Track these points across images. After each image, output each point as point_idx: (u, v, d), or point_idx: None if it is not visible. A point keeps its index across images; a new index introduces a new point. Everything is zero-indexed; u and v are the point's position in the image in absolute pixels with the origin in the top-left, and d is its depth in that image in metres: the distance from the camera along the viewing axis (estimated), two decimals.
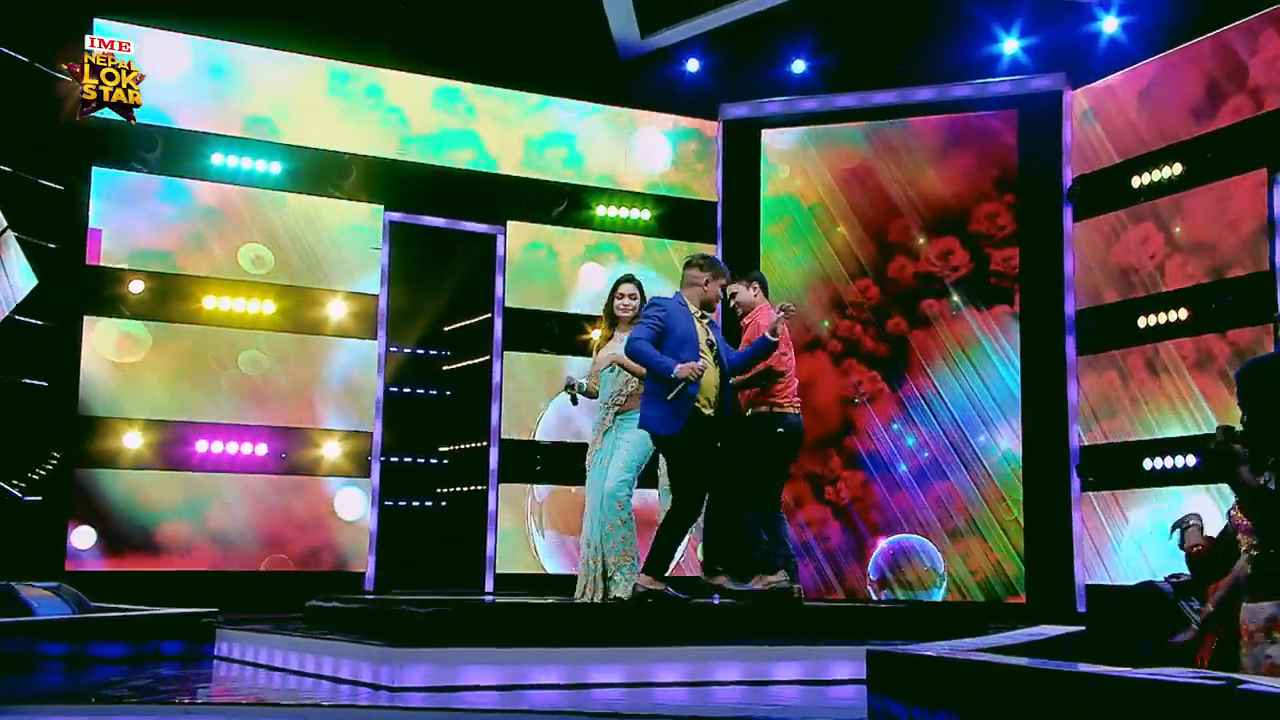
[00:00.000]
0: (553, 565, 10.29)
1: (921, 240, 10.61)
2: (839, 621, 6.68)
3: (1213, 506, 8.51)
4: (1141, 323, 9.43)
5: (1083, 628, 6.10)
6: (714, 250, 10.90)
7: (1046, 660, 3.81)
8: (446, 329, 11.79)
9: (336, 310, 9.87)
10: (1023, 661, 3.71)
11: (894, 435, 10.48)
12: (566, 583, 8.38)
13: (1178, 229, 9.23)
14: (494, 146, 10.58)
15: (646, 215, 11.05)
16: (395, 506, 10.71)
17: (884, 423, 10.52)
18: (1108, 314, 9.72)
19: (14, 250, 8.66)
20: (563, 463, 10.05)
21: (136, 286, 9.23)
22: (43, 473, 8.80)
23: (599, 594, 6.44)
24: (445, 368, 11.84)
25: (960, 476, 10.26)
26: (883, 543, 10.39)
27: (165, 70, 9.40)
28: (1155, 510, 9.00)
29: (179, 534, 9.20)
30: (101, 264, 9.16)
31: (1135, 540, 9.26)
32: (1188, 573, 5.81)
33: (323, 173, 9.96)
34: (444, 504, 11.48)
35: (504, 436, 10.38)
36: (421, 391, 11.64)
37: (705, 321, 6.25)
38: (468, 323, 11.39)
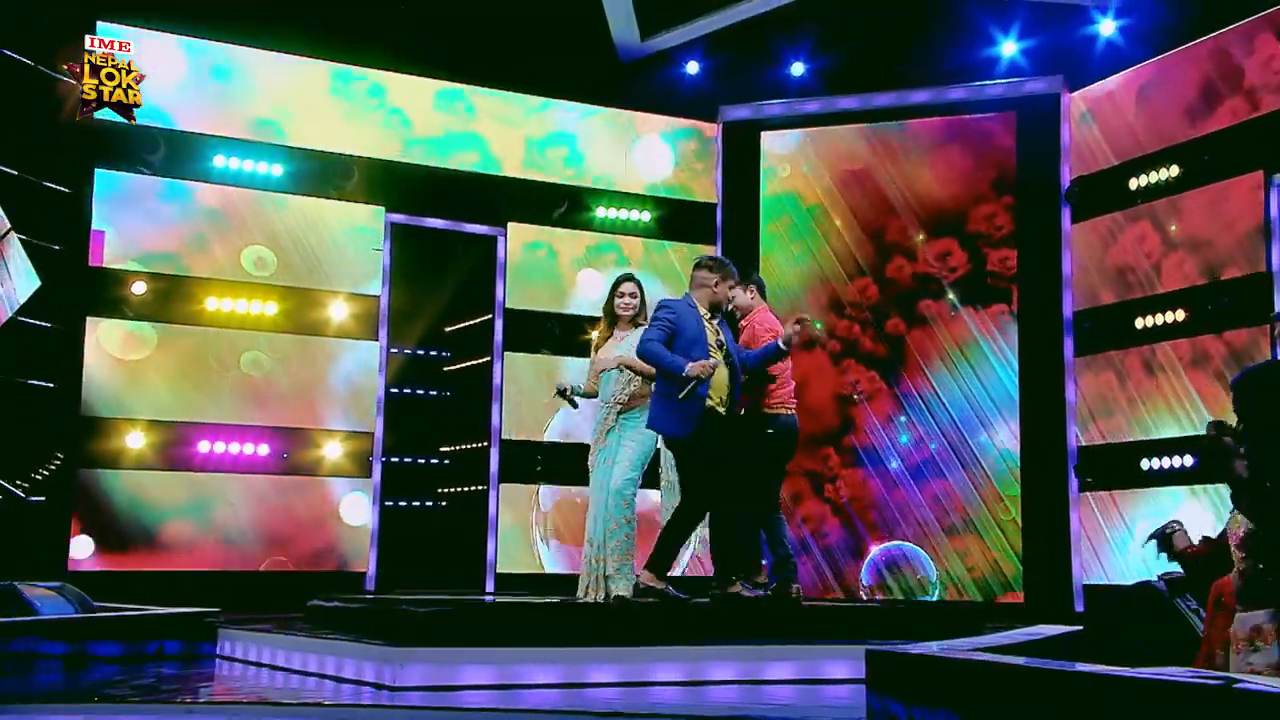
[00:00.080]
0: (553, 565, 10.31)
1: (920, 238, 10.64)
2: (836, 621, 6.70)
3: (1208, 510, 8.55)
4: (1139, 324, 9.47)
5: (1080, 627, 6.13)
6: (713, 252, 10.92)
7: (1046, 660, 3.84)
8: (447, 330, 11.82)
9: (338, 311, 9.90)
10: (1022, 661, 3.74)
11: (892, 435, 10.52)
12: (567, 583, 8.40)
13: (1174, 230, 9.27)
14: (496, 148, 10.61)
15: (646, 217, 11.08)
16: (396, 507, 10.73)
17: (882, 422, 10.55)
18: (1105, 315, 9.75)
19: (17, 252, 8.68)
20: (564, 463, 10.11)
21: (139, 288, 9.26)
22: (46, 473, 8.82)
23: (601, 593, 6.45)
24: (446, 368, 11.87)
25: (958, 476, 10.29)
26: (875, 549, 10.42)
27: (167, 72, 9.43)
28: (1153, 510, 9.02)
29: (181, 534, 9.23)
30: (104, 265, 9.19)
31: (1133, 540, 9.28)
32: (1182, 571, 5.82)
33: (324, 175, 9.99)
34: (443, 504, 11.50)
35: (504, 437, 10.41)
36: (422, 392, 11.67)
37: (715, 321, 6.28)
38: (468, 324, 11.41)
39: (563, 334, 10.49)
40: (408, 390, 11.42)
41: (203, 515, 9.30)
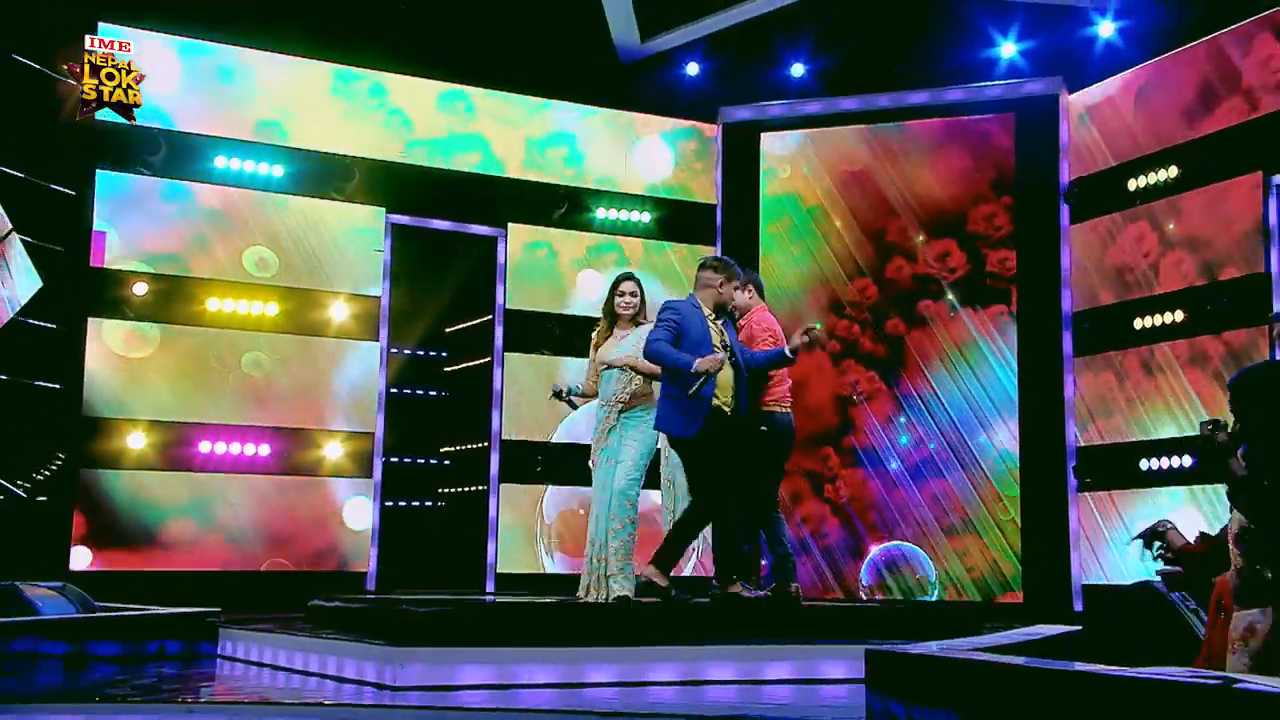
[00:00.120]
0: (553, 566, 10.33)
1: (920, 238, 10.66)
2: (835, 621, 6.71)
3: (1204, 510, 8.57)
4: (1138, 324, 9.48)
5: (1079, 627, 6.13)
6: (714, 253, 10.93)
7: (1046, 660, 3.85)
8: (447, 330, 11.83)
9: (339, 312, 9.91)
10: (1022, 661, 3.74)
11: (892, 435, 10.53)
12: (567, 583, 8.42)
13: (1173, 231, 9.29)
14: (498, 148, 10.62)
15: (646, 218, 11.10)
16: (397, 507, 10.75)
17: (882, 422, 10.57)
18: (1104, 315, 9.77)
19: (19, 253, 8.69)
20: (564, 463, 10.13)
21: (140, 289, 9.27)
22: (47, 473, 8.84)
23: (602, 593, 6.46)
24: (446, 369, 11.88)
25: (957, 476, 10.31)
26: (874, 549, 10.44)
27: (167, 73, 9.44)
28: (1152, 511, 9.01)
29: (182, 534, 9.24)
30: (105, 266, 9.20)
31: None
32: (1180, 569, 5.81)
33: (325, 176, 10.00)
34: (441, 504, 11.52)
35: (505, 438, 10.42)
36: (422, 392, 11.68)
37: (719, 322, 6.31)
38: (469, 324, 11.42)
39: (563, 334, 10.50)
40: (408, 390, 11.43)
41: (204, 515, 9.31)
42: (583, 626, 5.91)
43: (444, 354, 11.90)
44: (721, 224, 11.29)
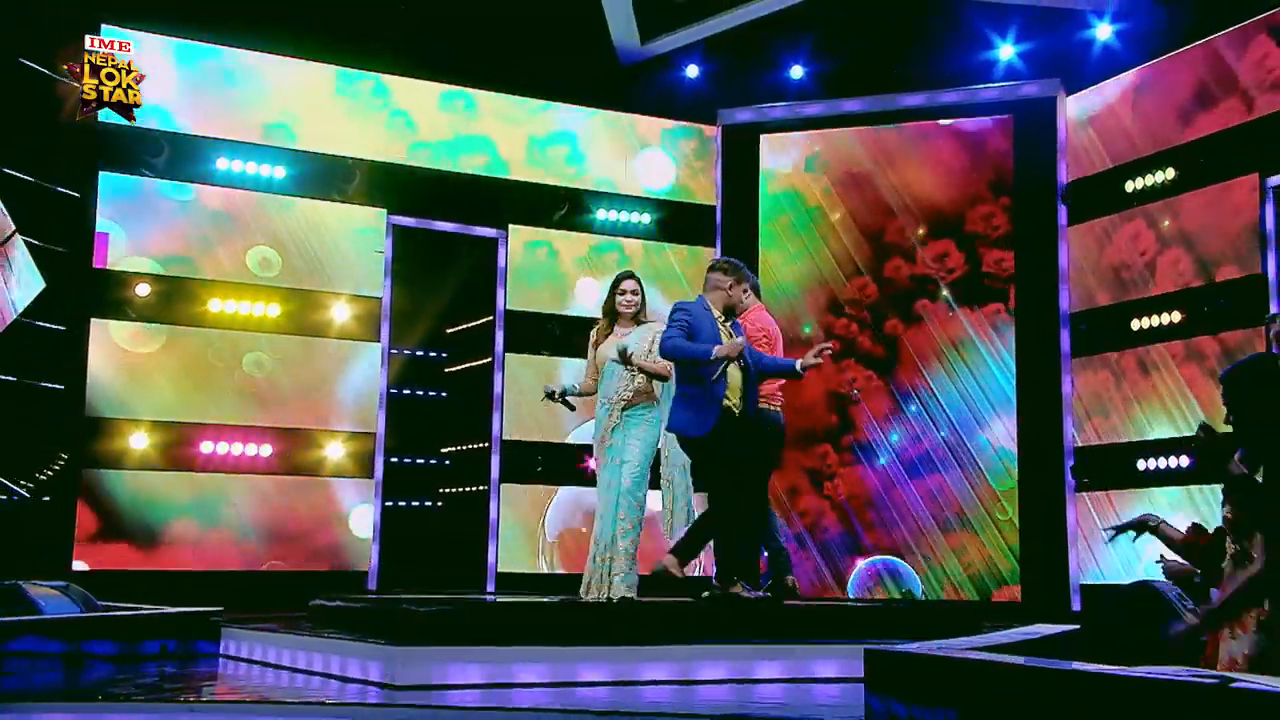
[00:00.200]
0: (554, 566, 10.35)
1: (920, 232, 10.68)
2: (832, 620, 6.72)
3: (1202, 511, 8.59)
4: (1135, 325, 9.51)
5: (1077, 626, 6.16)
6: (713, 254, 10.95)
7: (1045, 659, 3.87)
8: (448, 331, 11.84)
9: (340, 313, 9.93)
10: (1021, 660, 3.76)
11: (890, 434, 10.56)
12: (567, 583, 8.45)
13: (1170, 231, 9.32)
14: (502, 149, 10.64)
15: (647, 219, 11.12)
16: (398, 507, 10.76)
17: (880, 421, 10.60)
18: (1101, 316, 9.80)
19: (22, 254, 8.71)
20: (564, 463, 10.16)
21: (143, 290, 9.29)
22: (50, 473, 8.86)
23: (605, 592, 6.48)
24: (447, 370, 11.90)
25: (955, 475, 10.34)
26: (860, 564, 10.47)
27: (169, 74, 9.45)
28: (1149, 510, 9.05)
29: (184, 533, 9.26)
30: (108, 267, 9.22)
31: (1129, 539, 9.30)
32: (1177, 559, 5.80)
33: (327, 177, 10.02)
34: (440, 504, 11.53)
35: (505, 438, 10.44)
36: (423, 393, 11.70)
37: (728, 324, 6.35)
38: (469, 325, 11.44)
39: (563, 335, 10.51)
40: (408, 391, 11.45)
41: (206, 515, 9.33)
42: (584, 626, 5.92)
43: (445, 355, 11.91)
44: (721, 225, 11.31)
